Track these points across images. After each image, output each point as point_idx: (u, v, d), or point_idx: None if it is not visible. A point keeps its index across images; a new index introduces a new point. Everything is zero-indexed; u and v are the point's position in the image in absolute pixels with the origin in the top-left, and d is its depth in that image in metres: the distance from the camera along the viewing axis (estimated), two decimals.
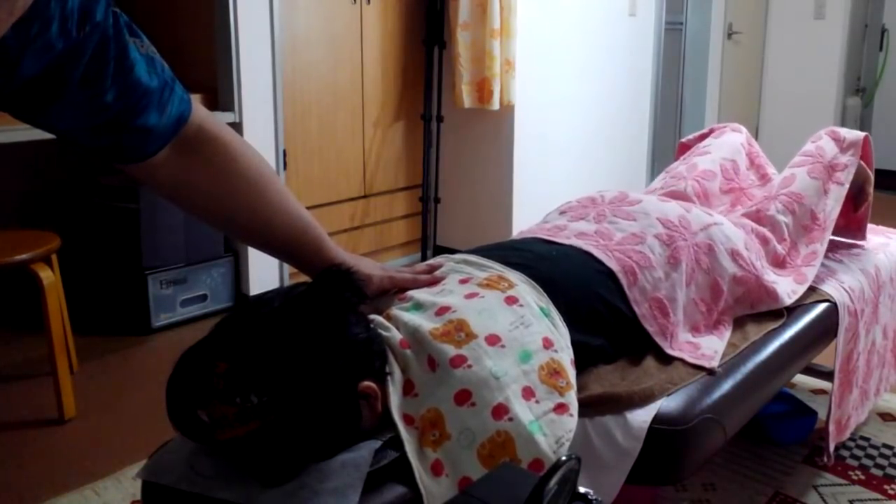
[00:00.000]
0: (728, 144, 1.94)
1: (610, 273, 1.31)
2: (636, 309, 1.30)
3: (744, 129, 1.99)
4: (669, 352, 1.30)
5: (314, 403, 0.92)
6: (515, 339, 1.06)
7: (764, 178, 1.95)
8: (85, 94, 0.84)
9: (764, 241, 1.61)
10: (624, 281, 1.31)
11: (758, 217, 1.68)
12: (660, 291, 1.34)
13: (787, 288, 1.57)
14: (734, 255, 1.47)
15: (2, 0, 0.65)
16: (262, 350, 0.92)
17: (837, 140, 1.79)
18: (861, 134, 1.79)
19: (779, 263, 1.63)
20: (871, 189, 1.84)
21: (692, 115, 5.07)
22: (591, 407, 1.14)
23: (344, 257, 1.16)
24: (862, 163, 1.80)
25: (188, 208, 1.06)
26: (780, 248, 1.63)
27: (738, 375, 1.30)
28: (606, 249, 1.35)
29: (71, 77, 0.82)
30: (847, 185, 1.75)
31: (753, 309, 1.51)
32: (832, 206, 1.72)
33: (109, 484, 1.85)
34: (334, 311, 0.99)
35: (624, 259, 1.34)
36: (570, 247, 1.36)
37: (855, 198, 1.84)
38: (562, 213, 1.57)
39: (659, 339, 1.31)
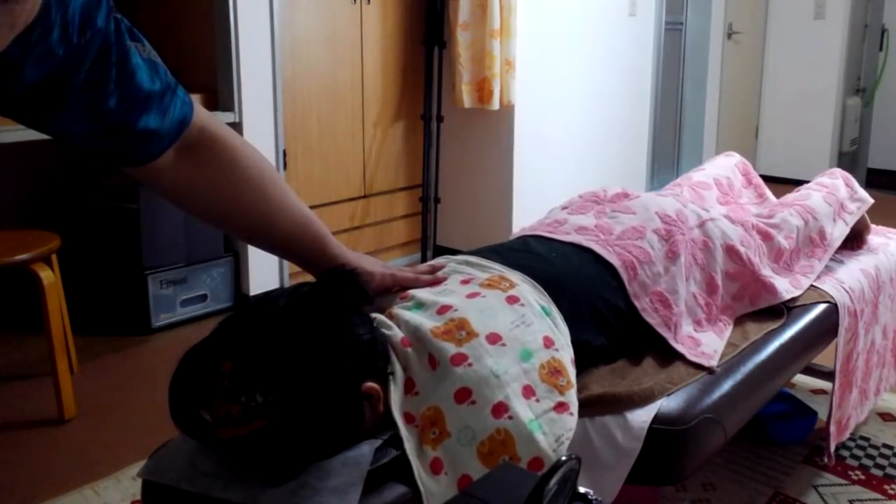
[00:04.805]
0: (721, 165, 2.06)
1: (610, 268, 1.32)
2: (636, 303, 1.31)
3: (736, 154, 2.12)
4: (673, 344, 1.31)
5: (318, 403, 0.92)
6: (516, 337, 1.07)
7: (762, 198, 2.03)
8: (87, 100, 0.85)
9: (766, 237, 1.61)
10: (624, 276, 1.31)
11: (770, 216, 1.70)
12: (660, 285, 1.35)
13: (785, 285, 1.57)
14: (729, 250, 1.48)
15: (2, 15, 0.65)
16: (268, 349, 0.92)
17: (850, 187, 1.90)
18: (870, 199, 1.91)
19: (781, 260, 1.64)
20: (867, 237, 1.95)
21: (692, 115, 5.07)
22: (591, 407, 1.14)
23: (347, 255, 1.16)
24: (866, 216, 1.92)
25: (191, 209, 1.06)
26: (785, 243, 1.63)
27: (738, 375, 1.30)
28: (606, 244, 1.36)
29: (73, 83, 0.82)
30: (850, 227, 1.84)
31: (754, 306, 1.51)
32: (837, 236, 1.80)
33: (109, 484, 1.85)
34: (339, 311, 0.99)
35: (624, 254, 1.34)
36: (571, 244, 1.36)
37: (850, 241, 1.90)
38: (563, 208, 1.58)
39: (662, 331, 1.31)
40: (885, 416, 2.14)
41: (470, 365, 1.01)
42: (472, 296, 1.14)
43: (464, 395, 1.00)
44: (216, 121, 1.03)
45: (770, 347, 1.42)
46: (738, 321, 1.48)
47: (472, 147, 3.67)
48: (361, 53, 3.33)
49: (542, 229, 1.45)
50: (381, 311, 1.15)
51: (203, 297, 2.94)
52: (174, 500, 0.94)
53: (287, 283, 3.13)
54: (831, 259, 1.81)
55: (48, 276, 2.11)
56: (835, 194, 1.83)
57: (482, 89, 3.40)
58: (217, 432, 0.90)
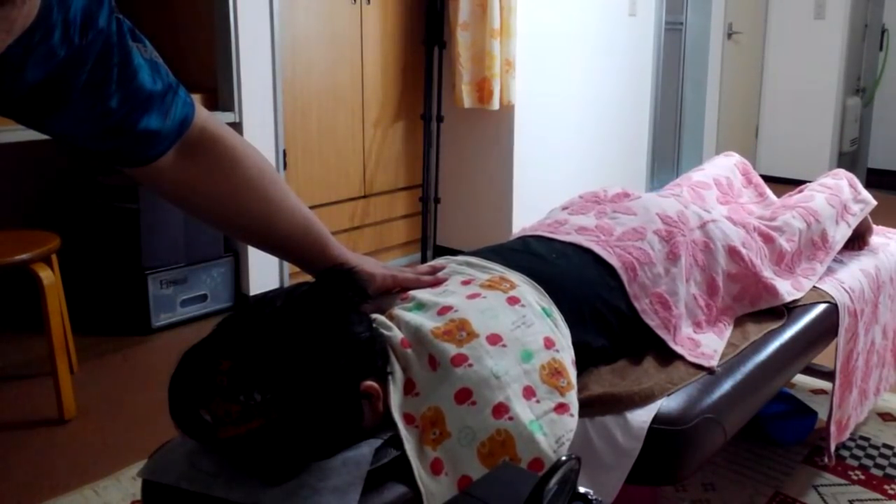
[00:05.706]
0: (720, 164, 2.06)
1: (610, 269, 1.32)
2: (636, 305, 1.31)
3: (735, 154, 2.12)
4: (672, 346, 1.30)
5: (317, 402, 0.92)
6: (517, 338, 1.07)
7: (762, 197, 2.03)
8: (89, 100, 0.85)
9: (768, 239, 1.61)
10: (624, 277, 1.31)
11: (772, 218, 1.70)
12: (660, 287, 1.35)
13: (787, 287, 1.57)
14: (731, 251, 1.48)
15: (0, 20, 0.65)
16: (265, 348, 0.92)
17: (854, 188, 1.90)
18: (873, 201, 1.91)
19: (783, 262, 1.64)
20: (870, 238, 1.94)
21: (692, 115, 5.07)
22: (591, 407, 1.14)
23: (347, 256, 1.16)
24: (868, 217, 1.91)
25: (191, 210, 1.06)
26: (786, 246, 1.63)
27: (738, 375, 1.30)
28: (607, 245, 1.36)
29: (74, 83, 0.82)
30: (852, 229, 1.83)
31: (754, 307, 1.51)
32: (839, 238, 1.79)
33: (109, 484, 1.85)
34: (337, 310, 1.00)
35: (624, 255, 1.34)
36: (571, 245, 1.36)
37: (852, 242, 1.90)
38: (564, 208, 1.58)
39: (662, 333, 1.31)
40: (885, 416, 2.14)
41: (470, 366, 1.01)
42: (472, 297, 1.14)
43: (464, 395, 1.00)
44: (217, 121, 1.03)
45: (770, 347, 1.42)
46: (738, 321, 1.48)
47: (472, 147, 3.67)
48: (361, 53, 3.33)
49: (542, 230, 1.45)
50: (382, 313, 1.15)
51: (203, 297, 2.94)
52: (174, 500, 0.94)
53: (287, 284, 3.13)
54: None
55: (48, 276, 2.11)
56: (838, 196, 1.83)
57: (482, 89, 3.40)
58: (216, 432, 0.90)
